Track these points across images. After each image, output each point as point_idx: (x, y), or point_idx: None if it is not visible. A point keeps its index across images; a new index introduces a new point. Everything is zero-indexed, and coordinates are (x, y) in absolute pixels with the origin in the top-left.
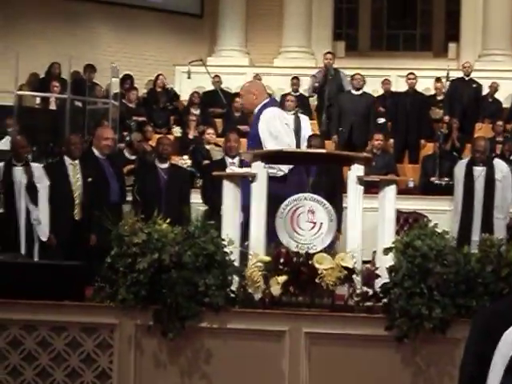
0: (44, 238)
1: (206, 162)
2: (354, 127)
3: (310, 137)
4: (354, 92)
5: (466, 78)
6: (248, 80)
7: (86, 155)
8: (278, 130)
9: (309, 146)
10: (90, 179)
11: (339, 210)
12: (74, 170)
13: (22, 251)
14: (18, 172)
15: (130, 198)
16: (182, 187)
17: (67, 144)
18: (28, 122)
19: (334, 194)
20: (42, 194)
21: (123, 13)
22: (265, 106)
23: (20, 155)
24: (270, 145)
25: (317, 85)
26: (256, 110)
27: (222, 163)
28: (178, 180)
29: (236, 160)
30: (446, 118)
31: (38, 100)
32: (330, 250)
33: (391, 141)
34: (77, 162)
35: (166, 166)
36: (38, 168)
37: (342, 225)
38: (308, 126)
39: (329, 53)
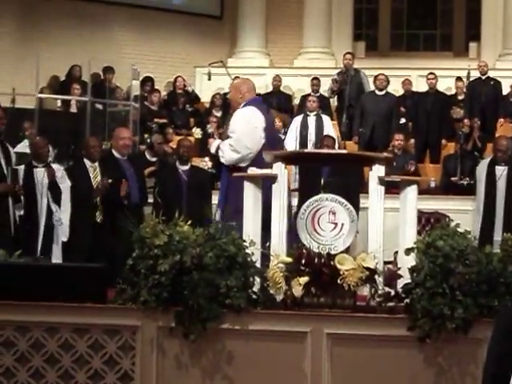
0: (65, 239)
1: None
2: (376, 127)
3: (322, 138)
4: (377, 92)
5: (483, 78)
6: (269, 81)
7: (107, 157)
8: (240, 131)
9: (321, 146)
10: (110, 180)
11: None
12: (93, 173)
13: (38, 252)
14: (40, 173)
15: (150, 199)
16: (203, 189)
17: (86, 147)
18: (49, 124)
19: (350, 195)
20: (65, 194)
21: (143, 15)
22: (245, 105)
23: (40, 156)
24: (229, 143)
25: (336, 89)
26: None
27: None
28: (198, 181)
29: None
30: (466, 120)
31: (58, 103)
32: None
33: (412, 141)
34: (96, 164)
35: (186, 167)
36: (59, 169)
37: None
38: (330, 127)
39: (348, 53)
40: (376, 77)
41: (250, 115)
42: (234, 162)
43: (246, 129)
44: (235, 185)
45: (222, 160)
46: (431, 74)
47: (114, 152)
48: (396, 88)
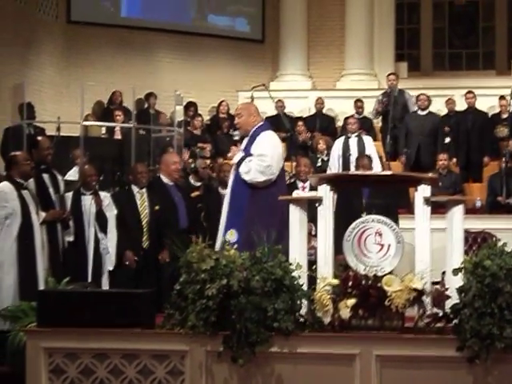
0: (110, 267)
1: None
2: (422, 148)
3: (357, 158)
4: (419, 112)
5: None
6: (311, 103)
7: (154, 183)
8: (271, 155)
9: (357, 167)
10: (156, 207)
11: None
12: (141, 199)
13: (89, 280)
14: (87, 200)
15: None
16: None
17: (133, 173)
18: (94, 151)
19: (389, 216)
20: (111, 222)
21: (185, 40)
22: (261, 129)
23: (89, 184)
24: (259, 164)
25: (381, 110)
26: (251, 132)
27: (292, 187)
28: None
29: (307, 184)
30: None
31: (103, 130)
32: None
33: (454, 160)
34: (144, 190)
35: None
36: (106, 197)
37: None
38: (372, 147)
39: (392, 74)
40: (417, 97)
41: (276, 140)
42: (255, 183)
43: (275, 154)
44: (257, 206)
45: (244, 176)
46: (469, 92)
47: (163, 177)
48: (440, 108)
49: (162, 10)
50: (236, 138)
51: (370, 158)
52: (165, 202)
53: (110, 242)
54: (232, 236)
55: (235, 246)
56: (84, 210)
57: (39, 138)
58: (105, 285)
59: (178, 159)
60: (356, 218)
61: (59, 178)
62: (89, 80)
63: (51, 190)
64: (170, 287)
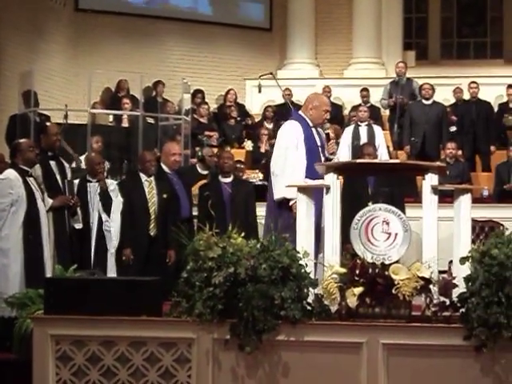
0: (112, 250)
1: None
2: (427, 137)
3: (362, 146)
4: (424, 102)
5: None
6: (319, 92)
7: (157, 171)
8: None
9: (362, 155)
10: (165, 195)
11: None
12: (149, 187)
13: (92, 264)
14: (93, 187)
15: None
16: (246, 200)
17: (142, 161)
18: (101, 139)
19: (395, 204)
20: (116, 206)
21: (193, 29)
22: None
23: (95, 171)
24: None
25: (392, 104)
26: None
27: None
28: (241, 193)
29: None
30: None
31: (110, 118)
32: None
33: (460, 152)
34: (152, 178)
35: (229, 180)
36: (112, 184)
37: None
38: (381, 137)
39: (401, 62)
40: (421, 86)
41: None
42: None
43: None
44: None
45: None
46: (473, 83)
47: (164, 166)
48: (447, 97)
49: None
50: (328, 131)
51: (374, 146)
52: (169, 190)
53: (113, 224)
54: None
55: None
56: (90, 197)
57: (48, 123)
58: (110, 265)
59: (177, 150)
60: (362, 207)
61: (66, 165)
62: (97, 68)
63: (58, 177)
64: (176, 275)
